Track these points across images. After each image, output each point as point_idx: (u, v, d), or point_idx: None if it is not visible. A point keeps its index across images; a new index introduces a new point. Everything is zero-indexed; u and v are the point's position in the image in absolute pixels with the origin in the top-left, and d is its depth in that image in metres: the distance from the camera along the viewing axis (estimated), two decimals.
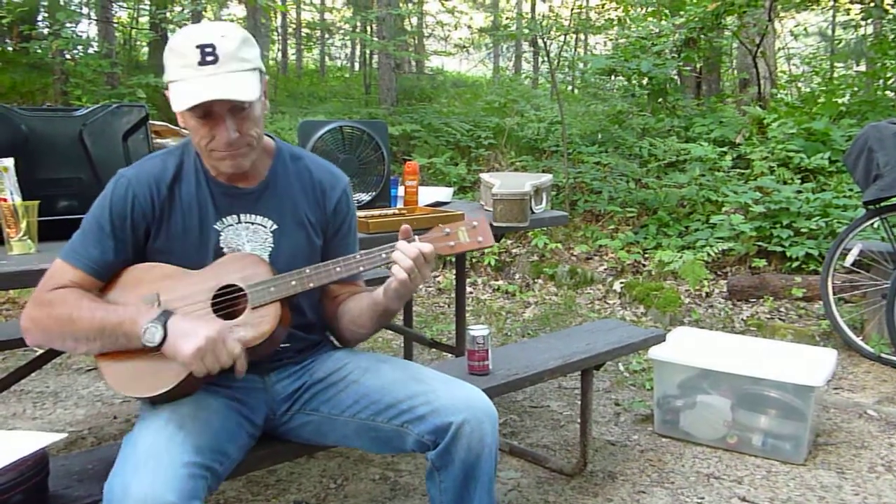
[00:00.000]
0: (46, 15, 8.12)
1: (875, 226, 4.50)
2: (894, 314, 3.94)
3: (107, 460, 1.76)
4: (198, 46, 1.60)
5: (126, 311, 1.62)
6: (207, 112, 1.63)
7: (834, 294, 4.38)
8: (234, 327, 1.63)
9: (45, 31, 7.74)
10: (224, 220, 1.79)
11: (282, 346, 1.83)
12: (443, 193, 3.40)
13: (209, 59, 1.60)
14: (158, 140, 2.63)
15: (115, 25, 10.33)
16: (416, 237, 1.72)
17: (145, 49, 11.49)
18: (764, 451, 3.03)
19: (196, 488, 1.49)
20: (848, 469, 2.94)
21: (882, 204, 4.22)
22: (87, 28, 10.31)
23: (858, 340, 4.31)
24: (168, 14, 8.35)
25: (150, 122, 2.57)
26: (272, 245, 1.81)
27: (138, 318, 1.59)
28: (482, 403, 1.74)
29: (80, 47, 8.49)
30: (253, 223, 1.81)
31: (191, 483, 1.48)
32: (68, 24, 7.83)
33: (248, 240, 1.80)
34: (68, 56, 8.14)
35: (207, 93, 1.59)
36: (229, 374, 1.61)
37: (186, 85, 1.60)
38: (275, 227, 1.83)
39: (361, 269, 1.74)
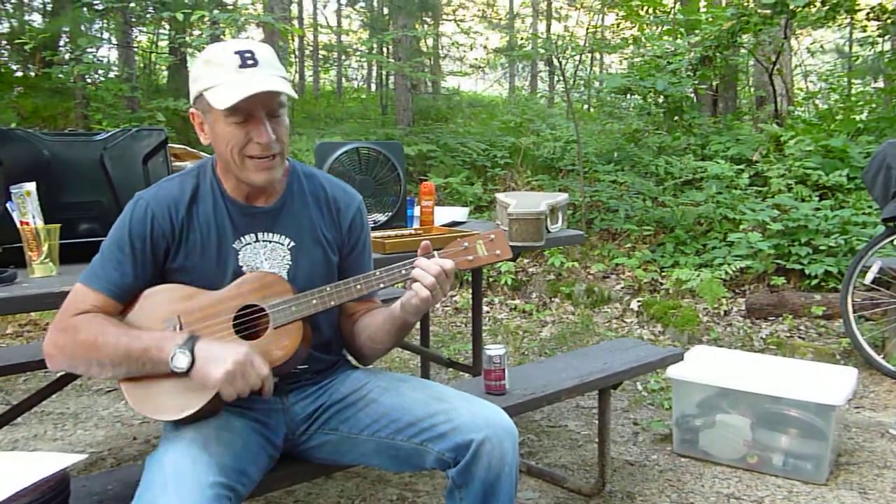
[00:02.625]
0: (68, 40, 8.24)
1: (894, 243, 4.46)
2: None
3: (127, 481, 1.78)
4: (237, 52, 1.66)
5: (151, 336, 1.63)
6: (247, 115, 1.66)
7: (854, 312, 4.34)
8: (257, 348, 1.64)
9: (67, 56, 7.85)
10: (242, 238, 1.80)
11: (300, 367, 1.84)
12: (459, 213, 3.41)
13: (250, 62, 1.66)
14: (177, 163, 2.66)
15: (135, 50, 10.46)
16: (436, 253, 1.73)
17: (165, 73, 11.63)
18: (785, 471, 3.00)
19: None
20: (871, 489, 2.91)
21: None
22: (108, 53, 10.47)
23: (879, 358, 4.26)
24: (187, 38, 8.45)
25: (169, 145, 2.59)
26: (290, 262, 1.83)
27: (164, 343, 1.60)
28: (503, 421, 1.74)
29: (100, 72, 8.60)
30: (271, 241, 1.82)
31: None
32: (89, 50, 7.94)
33: (266, 258, 1.81)
34: (89, 81, 8.25)
35: (253, 87, 1.62)
36: (254, 395, 1.62)
37: (228, 86, 1.63)
38: (292, 244, 1.84)
39: (382, 285, 1.76)
